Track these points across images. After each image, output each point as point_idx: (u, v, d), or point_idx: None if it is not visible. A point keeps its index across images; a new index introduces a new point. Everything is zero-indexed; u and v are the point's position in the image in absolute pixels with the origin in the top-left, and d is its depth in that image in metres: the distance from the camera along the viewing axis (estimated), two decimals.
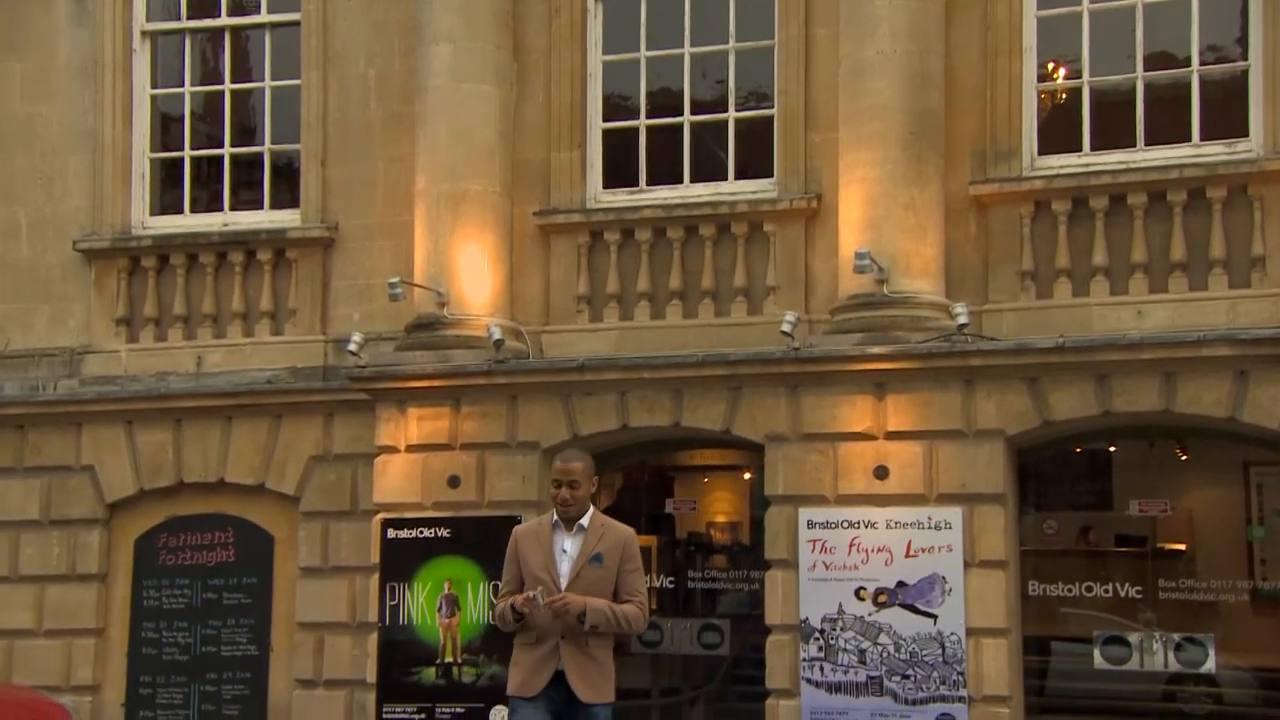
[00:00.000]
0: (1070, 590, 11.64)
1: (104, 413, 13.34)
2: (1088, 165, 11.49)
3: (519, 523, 7.23)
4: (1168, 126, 11.36)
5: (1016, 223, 11.56)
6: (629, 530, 7.36)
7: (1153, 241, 11.22)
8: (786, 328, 11.10)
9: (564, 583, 7.08)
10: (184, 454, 13.23)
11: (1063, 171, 11.50)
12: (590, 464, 7.31)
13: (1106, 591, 11.59)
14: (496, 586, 8.47)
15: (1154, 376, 10.78)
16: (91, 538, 13.36)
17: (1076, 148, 11.61)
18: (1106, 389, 10.88)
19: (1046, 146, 11.65)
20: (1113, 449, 12.36)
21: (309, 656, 12.72)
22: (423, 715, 12.00)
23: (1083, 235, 11.39)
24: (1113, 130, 11.52)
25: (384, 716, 12.06)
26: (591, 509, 7.32)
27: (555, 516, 7.28)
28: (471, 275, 12.26)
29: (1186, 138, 11.37)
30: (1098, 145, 11.55)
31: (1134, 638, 11.32)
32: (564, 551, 7.19)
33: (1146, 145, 11.42)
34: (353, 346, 12.19)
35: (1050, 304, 11.39)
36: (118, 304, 13.63)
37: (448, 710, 11.96)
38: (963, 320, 10.94)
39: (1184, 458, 12.08)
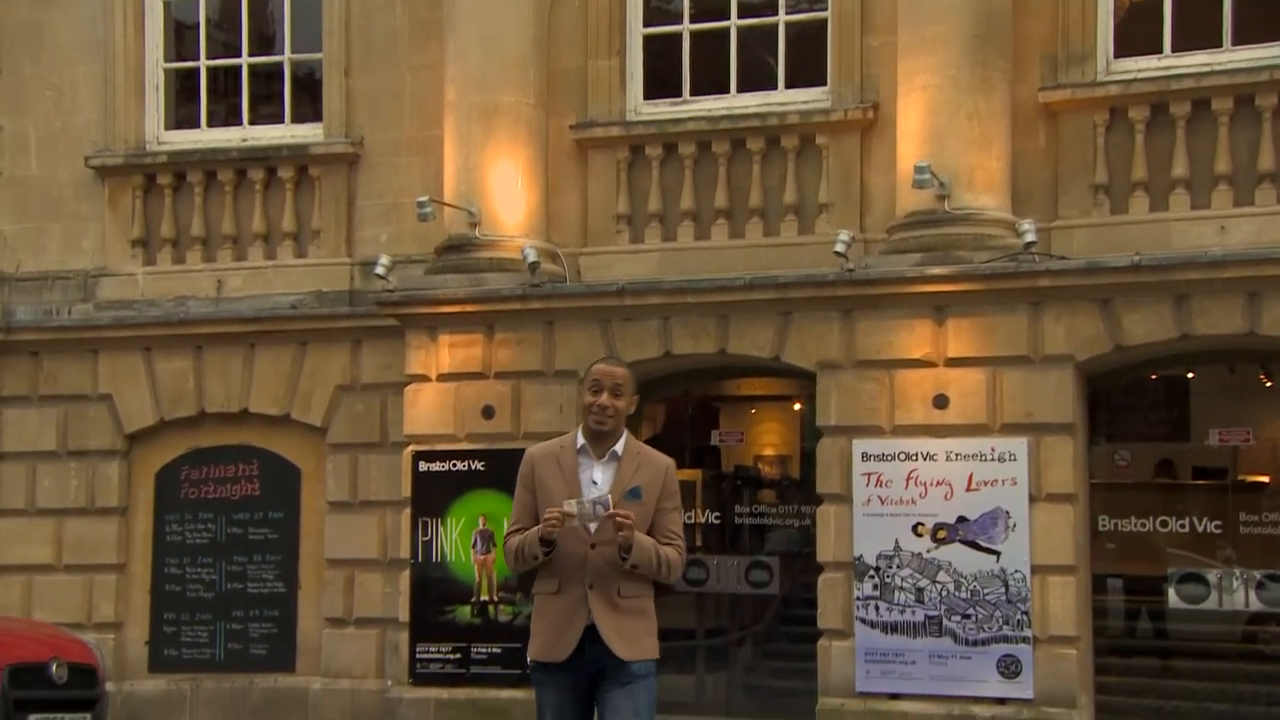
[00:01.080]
0: (1144, 525, 11.37)
1: (121, 339, 13.14)
2: (1168, 68, 11.14)
3: None
4: (1258, 24, 10.92)
5: (1090, 132, 11.21)
6: (669, 461, 6.41)
7: (1238, 151, 10.87)
8: (840, 248, 10.83)
9: (593, 522, 6.18)
10: (205, 383, 13.07)
11: (1141, 75, 11.15)
12: (634, 378, 6.36)
13: (1183, 526, 11.31)
14: None
15: (1237, 297, 10.50)
16: (111, 470, 13.21)
17: (1156, 49, 11.24)
18: (1185, 311, 10.60)
19: (1123, 48, 11.29)
20: (1191, 375, 12.07)
21: (339, 594, 12.64)
22: (458, 655, 11.87)
23: (1162, 145, 11.05)
24: (1196, 29, 11.10)
25: (417, 656, 11.96)
26: (626, 434, 6.34)
27: (581, 440, 6.26)
28: (505, 193, 12.01)
29: (1279, 36, 10.92)
30: (1179, 46, 11.17)
31: (1212, 575, 11.08)
32: (594, 483, 6.16)
33: (1234, 45, 11.02)
34: (380, 269, 11.99)
35: (1125, 220, 11.06)
36: (133, 224, 13.38)
37: (483, 650, 11.82)
38: (1030, 238, 10.63)
39: (1268, 384, 11.73)
